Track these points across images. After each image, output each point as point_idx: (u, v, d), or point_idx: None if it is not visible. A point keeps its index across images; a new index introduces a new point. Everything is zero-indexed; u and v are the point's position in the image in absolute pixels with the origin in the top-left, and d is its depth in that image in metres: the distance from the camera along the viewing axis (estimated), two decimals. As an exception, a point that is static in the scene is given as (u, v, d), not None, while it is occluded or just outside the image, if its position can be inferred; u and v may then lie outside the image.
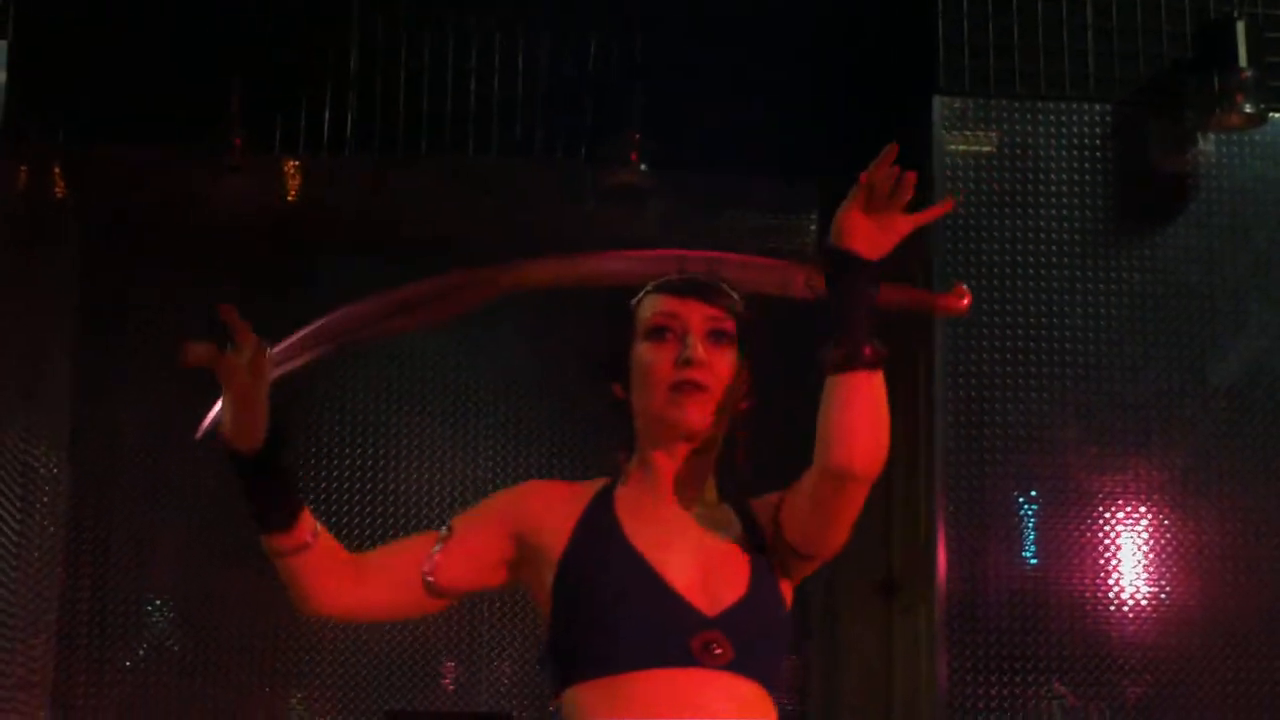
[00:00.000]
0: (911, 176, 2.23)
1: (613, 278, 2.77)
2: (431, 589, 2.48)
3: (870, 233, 2.24)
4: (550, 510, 2.51)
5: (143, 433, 5.79)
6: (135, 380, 5.80)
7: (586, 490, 2.55)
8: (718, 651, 2.33)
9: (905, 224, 2.27)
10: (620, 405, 2.57)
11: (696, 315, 2.50)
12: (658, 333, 2.50)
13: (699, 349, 2.46)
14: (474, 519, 2.55)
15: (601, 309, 2.67)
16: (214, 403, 2.87)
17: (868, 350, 2.25)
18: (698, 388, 2.45)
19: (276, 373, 2.91)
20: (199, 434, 2.91)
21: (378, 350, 5.86)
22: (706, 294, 2.53)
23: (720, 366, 2.49)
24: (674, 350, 2.47)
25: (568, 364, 5.78)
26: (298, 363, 2.92)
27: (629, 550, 2.41)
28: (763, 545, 2.46)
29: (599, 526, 2.46)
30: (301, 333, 2.96)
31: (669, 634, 2.34)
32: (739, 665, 2.34)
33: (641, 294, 2.58)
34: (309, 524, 2.38)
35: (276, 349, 2.95)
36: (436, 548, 2.49)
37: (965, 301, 2.82)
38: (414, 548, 2.52)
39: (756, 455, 2.57)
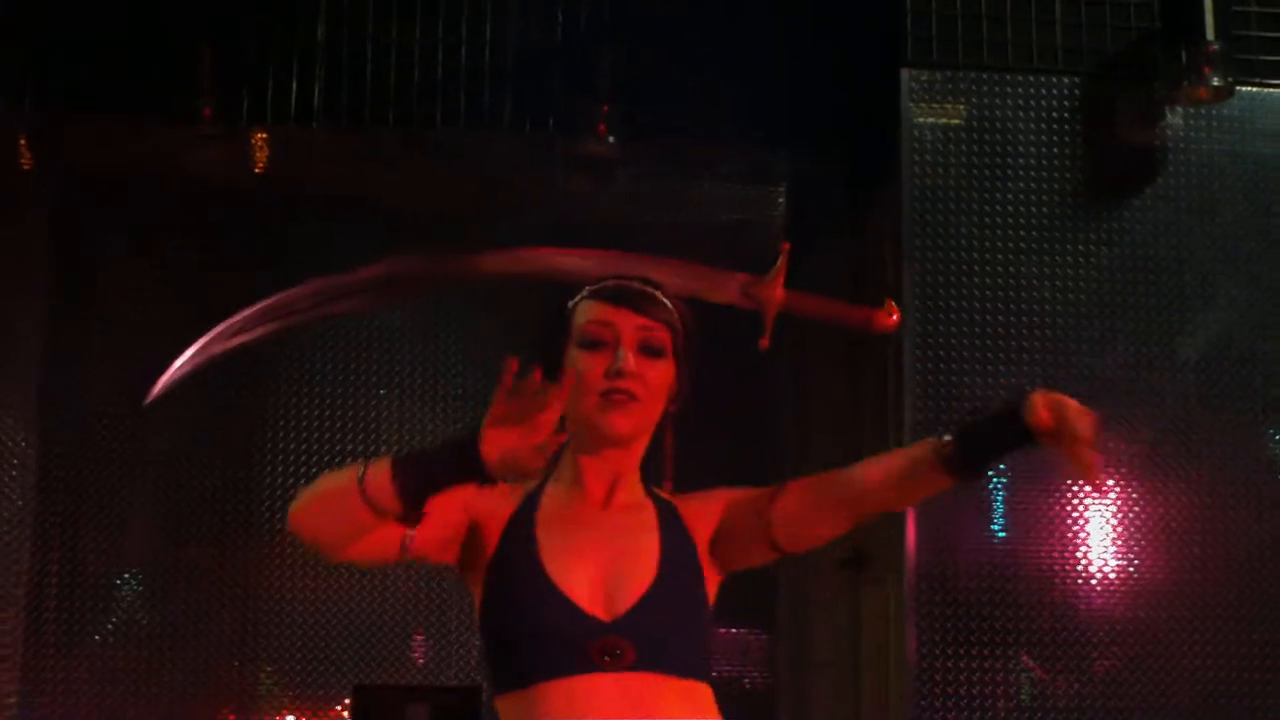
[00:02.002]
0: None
1: (558, 275, 2.84)
2: (405, 553, 2.44)
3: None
4: (493, 515, 2.52)
5: (112, 406, 5.76)
6: (104, 353, 5.78)
7: (516, 493, 2.56)
8: (619, 653, 2.36)
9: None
10: None
11: (629, 325, 2.53)
12: (591, 342, 2.53)
13: (630, 360, 2.50)
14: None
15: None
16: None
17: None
18: (628, 397, 2.50)
19: (231, 344, 2.97)
20: (149, 399, 2.94)
21: (344, 324, 5.84)
22: (639, 303, 2.55)
23: (651, 376, 2.53)
24: (607, 359, 2.51)
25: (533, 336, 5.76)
26: (247, 337, 2.96)
27: (535, 563, 2.43)
28: (684, 540, 2.52)
29: (517, 537, 2.48)
30: (249, 310, 3.00)
31: (566, 643, 2.37)
32: (647, 663, 2.38)
33: (578, 298, 2.61)
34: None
35: (227, 323, 3.01)
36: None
37: (894, 319, 2.89)
38: None
39: (682, 453, 2.63)
